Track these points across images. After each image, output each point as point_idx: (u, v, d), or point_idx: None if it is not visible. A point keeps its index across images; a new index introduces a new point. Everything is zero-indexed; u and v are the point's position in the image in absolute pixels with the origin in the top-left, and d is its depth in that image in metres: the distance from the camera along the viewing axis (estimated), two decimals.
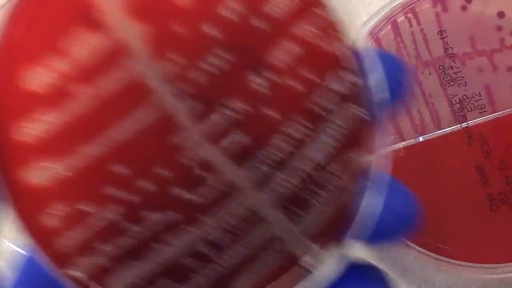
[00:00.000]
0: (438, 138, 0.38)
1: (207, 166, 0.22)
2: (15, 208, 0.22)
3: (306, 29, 0.23)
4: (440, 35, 0.38)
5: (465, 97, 0.38)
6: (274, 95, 0.22)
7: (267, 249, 0.23)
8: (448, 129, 0.38)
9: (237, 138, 0.22)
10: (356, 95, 0.23)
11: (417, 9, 0.38)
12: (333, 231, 0.24)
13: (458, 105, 0.38)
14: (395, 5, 0.38)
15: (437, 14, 0.38)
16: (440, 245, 0.37)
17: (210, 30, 0.22)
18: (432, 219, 0.38)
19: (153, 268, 0.22)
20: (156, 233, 0.22)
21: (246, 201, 0.22)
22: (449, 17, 0.38)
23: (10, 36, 0.21)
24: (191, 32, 0.21)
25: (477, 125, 0.37)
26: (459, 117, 0.38)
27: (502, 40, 0.37)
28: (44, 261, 0.22)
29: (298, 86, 0.22)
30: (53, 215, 0.21)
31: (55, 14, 0.21)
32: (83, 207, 0.21)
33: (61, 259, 0.22)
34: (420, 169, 0.38)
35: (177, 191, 0.21)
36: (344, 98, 0.23)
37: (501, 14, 0.38)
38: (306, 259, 0.24)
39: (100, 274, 0.22)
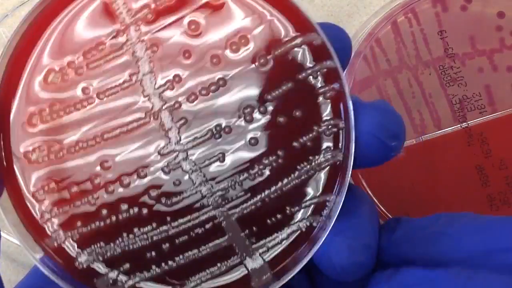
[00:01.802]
0: (438, 138, 0.38)
1: (185, 179, 0.25)
2: (12, 187, 0.25)
3: (310, 77, 0.26)
4: (440, 35, 0.38)
5: (465, 97, 0.38)
6: (263, 129, 0.25)
7: (222, 258, 0.26)
8: (448, 129, 0.38)
9: (219, 160, 0.25)
10: (337, 140, 0.26)
11: (417, 9, 0.38)
12: (286, 254, 0.26)
13: (458, 105, 0.38)
14: (395, 5, 0.38)
15: (437, 14, 0.38)
16: None
17: (217, 63, 0.25)
18: None
19: (115, 251, 0.25)
20: (125, 223, 0.25)
21: (211, 212, 0.26)
22: (449, 17, 0.38)
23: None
24: (198, 60, 0.25)
25: (477, 125, 0.38)
26: (459, 117, 0.38)
27: (502, 40, 0.38)
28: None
29: (288, 125, 0.25)
30: (42, 192, 0.25)
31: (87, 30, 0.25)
32: (69, 189, 0.25)
33: (41, 231, 0.25)
34: (420, 169, 0.38)
35: (154, 193, 0.25)
36: (326, 141, 0.26)
37: (501, 14, 0.38)
38: (255, 276, 0.26)
39: (69, 248, 0.25)
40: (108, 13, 0.25)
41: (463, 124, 0.38)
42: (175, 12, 0.25)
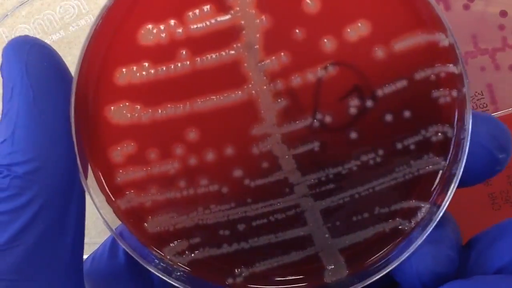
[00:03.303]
0: None
1: (274, 163, 0.24)
2: (91, 143, 0.24)
3: (426, 77, 0.23)
4: None
5: None
6: (367, 124, 0.24)
7: (297, 247, 0.25)
8: None
9: (314, 150, 0.24)
10: (443, 148, 0.24)
11: None
12: (365, 254, 0.25)
13: None
14: None
15: None
16: None
17: (329, 46, 0.23)
18: None
19: (187, 223, 0.24)
20: (202, 197, 0.24)
21: (295, 201, 0.24)
22: (451, 16, 0.38)
23: None
24: (310, 40, 0.23)
25: None
26: None
27: (504, 39, 0.37)
28: (98, 193, 0.25)
29: (394, 124, 0.24)
30: (120, 152, 0.24)
31: None
32: (149, 153, 0.24)
33: (114, 191, 0.24)
34: None
35: (238, 173, 0.24)
36: (431, 148, 0.24)
37: (503, 13, 0.38)
38: (329, 271, 0.25)
39: (140, 211, 0.24)
40: None
41: None
42: None
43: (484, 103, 0.37)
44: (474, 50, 0.37)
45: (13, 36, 0.39)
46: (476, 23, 0.38)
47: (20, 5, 0.39)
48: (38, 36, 0.39)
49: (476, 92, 0.38)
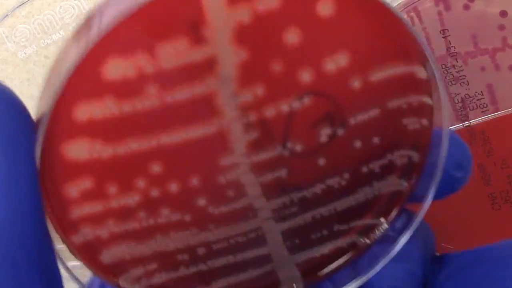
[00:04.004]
0: None
1: (240, 191, 0.23)
2: (46, 180, 0.22)
3: (399, 106, 0.23)
4: (443, 34, 0.38)
5: (467, 96, 0.38)
6: (335, 151, 0.23)
7: (255, 265, 0.24)
8: (451, 128, 0.38)
9: (281, 177, 0.23)
10: (407, 171, 0.24)
11: (419, 8, 0.38)
12: (321, 268, 0.25)
13: (460, 104, 0.38)
14: (398, 4, 0.38)
15: (439, 13, 0.38)
16: (443, 244, 0.37)
17: (307, 77, 0.22)
18: (435, 218, 0.38)
19: (144, 251, 0.23)
20: (163, 226, 0.23)
21: (257, 224, 0.23)
22: (451, 16, 0.38)
23: (112, 26, 0.20)
24: (287, 72, 0.21)
25: (479, 124, 0.38)
26: (461, 116, 0.38)
27: (504, 39, 0.37)
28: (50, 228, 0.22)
29: (362, 150, 0.23)
30: (76, 187, 0.22)
31: (164, 18, 0.20)
32: (107, 187, 0.22)
33: (68, 226, 0.22)
34: None
35: (201, 202, 0.23)
36: (395, 170, 0.24)
37: (503, 13, 0.38)
38: (285, 284, 0.25)
39: (95, 244, 0.23)
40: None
41: (465, 123, 0.38)
42: (277, 15, 0.21)
43: (484, 103, 0.37)
44: (474, 50, 0.37)
45: (13, 36, 0.39)
46: (476, 23, 0.38)
47: (20, 5, 0.39)
48: (38, 36, 0.39)
49: (476, 92, 0.38)
